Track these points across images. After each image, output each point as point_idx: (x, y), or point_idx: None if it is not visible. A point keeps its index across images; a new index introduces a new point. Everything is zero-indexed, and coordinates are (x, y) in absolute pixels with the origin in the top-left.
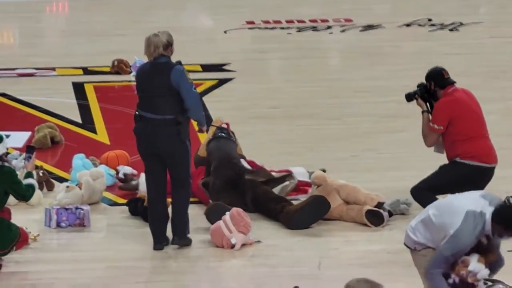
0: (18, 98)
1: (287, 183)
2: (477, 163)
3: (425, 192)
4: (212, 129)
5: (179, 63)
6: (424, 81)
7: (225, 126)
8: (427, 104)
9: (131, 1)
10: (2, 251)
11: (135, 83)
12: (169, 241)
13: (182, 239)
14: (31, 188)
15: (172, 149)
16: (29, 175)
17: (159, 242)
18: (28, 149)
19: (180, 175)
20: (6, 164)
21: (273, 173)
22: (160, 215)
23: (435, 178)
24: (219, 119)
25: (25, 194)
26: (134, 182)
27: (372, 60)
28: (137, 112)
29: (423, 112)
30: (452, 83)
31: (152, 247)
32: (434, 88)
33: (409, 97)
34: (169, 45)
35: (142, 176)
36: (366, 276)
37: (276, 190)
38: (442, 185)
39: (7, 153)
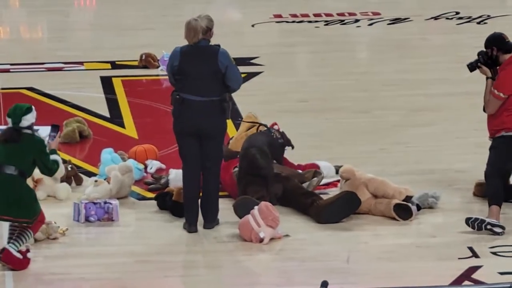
0: (47, 93)
1: (314, 179)
2: None
3: (495, 177)
4: (245, 125)
5: (219, 46)
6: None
7: (276, 127)
8: (491, 70)
9: None
10: (27, 219)
11: (173, 67)
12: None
13: (213, 222)
14: (56, 163)
15: (216, 127)
16: (53, 152)
17: (194, 225)
18: (53, 128)
19: (216, 155)
20: (36, 133)
21: (300, 171)
22: (195, 200)
23: (498, 159)
24: (252, 114)
25: (51, 168)
26: (163, 181)
27: (400, 53)
28: (177, 96)
29: (487, 78)
30: None
31: (185, 232)
32: (496, 53)
33: (472, 67)
34: (208, 30)
35: (172, 172)
36: (395, 270)
37: (304, 185)
38: (505, 163)
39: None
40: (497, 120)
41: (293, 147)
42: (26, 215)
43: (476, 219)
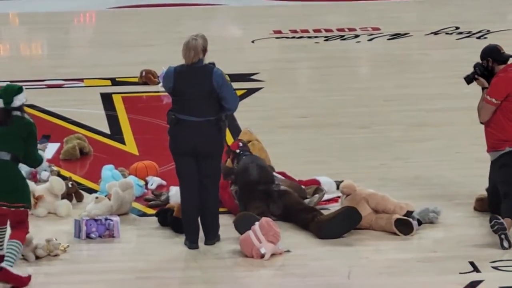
0: (47, 110)
1: (316, 195)
2: None
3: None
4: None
5: (214, 64)
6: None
7: (240, 144)
8: (488, 82)
9: (159, 11)
10: (25, 203)
11: (168, 88)
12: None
13: (214, 239)
14: (40, 157)
15: (213, 146)
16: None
17: (195, 242)
18: (45, 136)
19: (214, 173)
20: (26, 116)
21: (302, 186)
22: (194, 218)
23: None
24: (248, 130)
25: (36, 157)
26: (163, 197)
27: (400, 68)
28: (173, 116)
29: (483, 89)
30: (509, 57)
31: (186, 248)
32: (492, 64)
33: (469, 80)
34: (205, 49)
35: (172, 189)
36: (396, 285)
37: (305, 201)
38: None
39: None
40: (498, 130)
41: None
42: (22, 200)
43: (501, 223)
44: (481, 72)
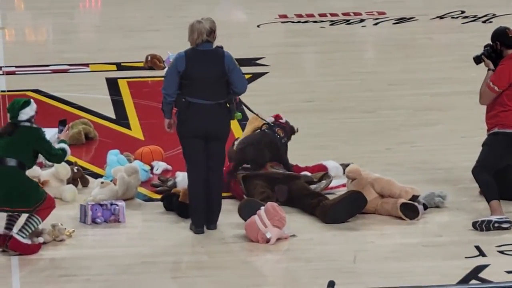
0: (52, 95)
1: (323, 181)
2: None
3: (482, 174)
4: (251, 126)
5: (222, 47)
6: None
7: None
8: (495, 63)
9: None
10: (26, 208)
11: (178, 73)
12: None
13: (216, 222)
14: (62, 150)
15: (223, 129)
16: (62, 141)
17: (201, 226)
18: (61, 122)
19: (220, 155)
20: (34, 125)
21: (309, 173)
22: (202, 201)
23: (488, 157)
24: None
25: (56, 153)
26: (170, 183)
27: (405, 52)
28: (184, 99)
29: (489, 70)
30: None
31: (192, 232)
32: (500, 48)
33: (478, 60)
34: (212, 31)
35: (179, 175)
36: (402, 269)
37: (312, 187)
38: (495, 161)
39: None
40: (492, 115)
41: (297, 130)
42: (25, 205)
43: (483, 221)
44: (489, 54)
